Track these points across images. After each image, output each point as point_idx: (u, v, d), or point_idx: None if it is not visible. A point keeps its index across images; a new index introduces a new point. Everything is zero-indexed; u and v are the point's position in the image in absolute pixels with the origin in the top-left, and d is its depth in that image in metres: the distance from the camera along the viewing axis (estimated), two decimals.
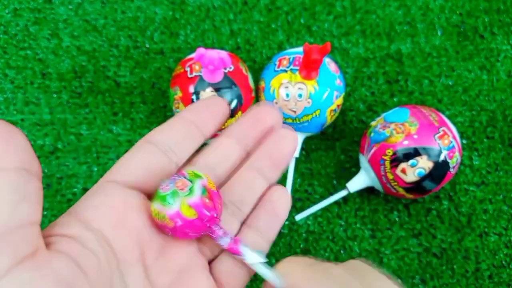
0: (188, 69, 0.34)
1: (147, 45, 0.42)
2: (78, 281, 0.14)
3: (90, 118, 0.39)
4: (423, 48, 0.42)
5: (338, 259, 0.36)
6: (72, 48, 0.41)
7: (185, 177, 0.18)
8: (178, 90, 0.34)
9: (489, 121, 0.40)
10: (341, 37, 0.42)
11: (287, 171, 0.37)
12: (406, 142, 0.31)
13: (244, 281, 0.19)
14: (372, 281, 0.17)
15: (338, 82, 0.34)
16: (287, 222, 0.37)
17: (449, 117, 0.40)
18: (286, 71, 0.34)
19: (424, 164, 0.31)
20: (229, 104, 0.33)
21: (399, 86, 0.41)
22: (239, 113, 0.34)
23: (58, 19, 0.42)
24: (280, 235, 0.36)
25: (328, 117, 0.35)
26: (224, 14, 0.43)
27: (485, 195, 0.38)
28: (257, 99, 0.36)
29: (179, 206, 0.17)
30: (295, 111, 0.34)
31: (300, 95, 0.33)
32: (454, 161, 0.32)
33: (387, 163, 0.32)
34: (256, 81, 0.37)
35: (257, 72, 0.40)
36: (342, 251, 0.36)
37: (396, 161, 0.32)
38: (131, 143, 0.39)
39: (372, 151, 0.33)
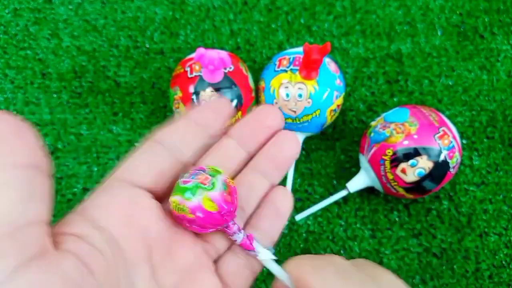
0: (188, 69, 0.34)
1: (147, 45, 0.42)
2: (86, 281, 0.14)
3: (90, 118, 0.39)
4: (423, 48, 0.42)
5: None
6: (72, 48, 0.41)
7: (205, 172, 0.18)
8: (178, 90, 0.34)
9: (489, 121, 0.40)
10: (341, 37, 0.42)
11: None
12: (406, 142, 0.31)
13: (249, 281, 0.20)
14: (375, 273, 0.17)
15: (338, 82, 0.34)
16: (287, 222, 0.37)
17: (449, 117, 0.40)
18: (286, 71, 0.34)
19: (424, 164, 0.31)
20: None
21: (399, 86, 0.41)
22: (239, 113, 0.34)
23: (58, 19, 0.42)
24: (280, 235, 0.36)
25: (328, 117, 0.35)
26: (224, 14, 0.43)
27: (485, 195, 0.38)
28: (257, 99, 0.36)
29: (201, 199, 0.17)
30: (295, 111, 0.34)
31: (300, 95, 0.33)
32: (454, 161, 0.32)
33: (387, 163, 0.32)
34: (256, 81, 0.37)
35: (257, 72, 0.40)
36: (342, 251, 0.36)
37: (396, 161, 0.32)
38: (131, 143, 0.39)
39: (372, 151, 0.33)
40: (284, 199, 0.21)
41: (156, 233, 0.18)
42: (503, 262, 0.36)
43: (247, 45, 0.42)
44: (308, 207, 0.36)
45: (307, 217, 0.37)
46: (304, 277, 0.17)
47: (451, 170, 0.32)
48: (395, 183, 0.33)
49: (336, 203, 0.37)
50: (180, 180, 0.18)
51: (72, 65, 0.41)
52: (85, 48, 0.41)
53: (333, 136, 0.40)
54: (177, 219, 0.18)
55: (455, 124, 0.39)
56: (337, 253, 0.36)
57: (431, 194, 0.37)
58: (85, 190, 0.37)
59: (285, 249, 0.36)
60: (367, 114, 0.40)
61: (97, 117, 0.39)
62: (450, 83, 0.41)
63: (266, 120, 0.21)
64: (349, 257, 0.36)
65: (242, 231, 0.19)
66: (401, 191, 0.33)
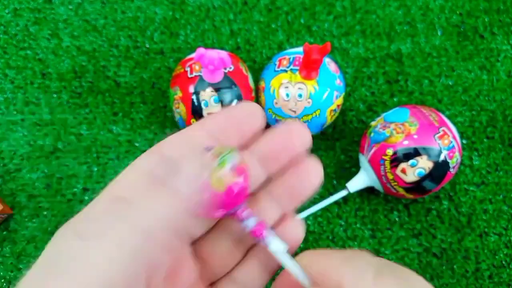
0: (188, 69, 0.34)
1: (147, 45, 0.42)
2: None
3: (90, 118, 0.39)
4: (423, 48, 0.42)
5: None
6: (72, 48, 0.41)
7: (214, 150, 0.17)
8: (178, 90, 0.34)
9: (489, 121, 0.40)
10: (341, 37, 0.42)
11: None
12: (406, 142, 0.31)
13: None
14: (408, 275, 0.16)
15: (338, 82, 0.34)
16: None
17: (449, 117, 0.40)
18: (286, 71, 0.34)
19: (424, 164, 0.31)
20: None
21: (399, 86, 0.41)
22: None
23: (58, 19, 0.42)
24: None
25: (328, 117, 0.35)
26: (224, 14, 0.43)
27: (485, 195, 0.38)
28: (257, 99, 0.36)
29: (209, 177, 0.16)
30: (295, 111, 0.34)
31: (300, 95, 0.33)
32: (454, 161, 0.32)
33: (387, 163, 0.32)
34: (256, 81, 0.37)
35: (257, 72, 0.40)
36: None
37: (396, 161, 0.32)
38: (131, 143, 0.39)
39: (372, 151, 0.33)
40: (295, 231, 0.19)
41: (155, 258, 0.16)
42: (503, 262, 0.36)
43: (247, 45, 0.42)
44: (308, 207, 0.36)
45: (307, 217, 0.37)
46: (332, 270, 0.15)
47: (451, 170, 0.32)
48: (395, 183, 0.33)
49: (336, 203, 0.37)
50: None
51: (72, 65, 0.41)
52: (85, 48, 0.41)
53: (333, 136, 0.40)
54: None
55: (455, 124, 0.39)
56: None
57: (431, 194, 0.37)
58: (85, 190, 0.37)
59: None
60: (367, 114, 0.40)
61: (97, 117, 0.39)
62: (450, 83, 0.41)
63: (293, 140, 0.19)
64: None
65: (254, 216, 0.17)
66: (401, 191, 0.33)
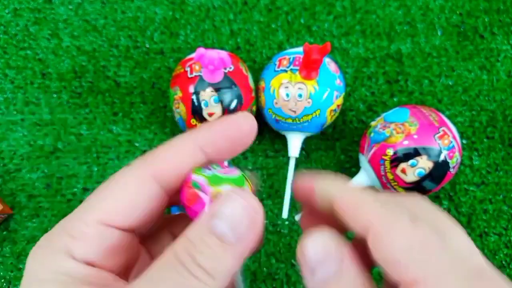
0: (188, 69, 0.34)
1: (147, 45, 0.42)
2: None
3: (90, 118, 0.39)
4: (423, 48, 0.42)
5: None
6: (72, 48, 0.41)
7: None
8: (178, 90, 0.34)
9: (489, 121, 0.40)
10: (341, 37, 0.42)
11: (287, 171, 0.37)
12: (406, 142, 0.31)
13: None
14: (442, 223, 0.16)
15: (338, 82, 0.34)
16: (287, 222, 0.37)
17: (449, 117, 0.40)
18: (286, 71, 0.34)
19: (424, 164, 0.31)
20: (230, 105, 0.33)
21: (399, 86, 0.41)
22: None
23: (58, 19, 0.42)
24: (280, 235, 0.36)
25: (328, 117, 0.35)
26: (224, 14, 0.43)
27: (485, 195, 0.38)
28: (257, 99, 0.36)
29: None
30: (295, 111, 0.34)
31: (300, 95, 0.33)
32: (454, 161, 0.32)
33: (387, 163, 0.32)
34: (256, 81, 0.37)
35: (257, 72, 0.40)
36: None
37: (396, 161, 0.32)
38: (131, 143, 0.39)
39: (372, 151, 0.33)
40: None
41: None
42: (503, 262, 0.36)
43: (247, 45, 0.42)
44: None
45: None
46: (362, 209, 0.15)
47: (451, 170, 0.32)
48: (395, 183, 0.33)
49: None
50: (216, 172, 0.17)
51: (72, 65, 0.41)
52: (85, 48, 0.41)
53: (333, 136, 0.40)
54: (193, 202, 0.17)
55: (455, 124, 0.39)
56: None
57: (431, 194, 0.37)
58: (85, 190, 0.37)
59: (285, 249, 0.36)
60: (367, 114, 0.40)
61: (97, 117, 0.39)
62: (450, 83, 0.41)
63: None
64: None
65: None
66: (401, 191, 0.33)
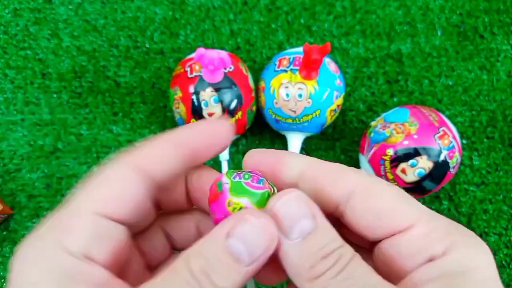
0: (188, 69, 0.34)
1: (147, 45, 0.42)
2: None
3: (90, 118, 0.39)
4: (423, 48, 0.42)
5: None
6: (72, 48, 0.41)
7: (266, 180, 0.17)
8: (178, 90, 0.34)
9: (489, 121, 0.40)
10: (341, 37, 0.42)
11: None
12: (406, 142, 0.31)
13: None
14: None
15: (338, 82, 0.34)
16: None
17: (449, 117, 0.40)
18: (286, 71, 0.34)
19: (424, 164, 0.31)
20: (229, 109, 0.33)
21: (399, 86, 0.41)
22: (239, 113, 0.34)
23: (58, 19, 0.42)
24: None
25: (328, 117, 0.35)
26: (224, 14, 0.43)
27: (485, 195, 0.38)
28: (257, 99, 0.36)
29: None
30: (295, 111, 0.34)
31: (300, 95, 0.33)
32: (454, 161, 0.32)
33: (387, 163, 0.32)
34: (256, 81, 0.37)
35: (257, 72, 0.40)
36: None
37: (396, 161, 0.32)
38: (131, 143, 0.39)
39: (372, 151, 0.33)
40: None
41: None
42: (503, 262, 0.36)
43: (247, 45, 0.42)
44: None
45: None
46: (339, 178, 0.16)
47: (451, 170, 0.32)
48: (395, 183, 0.33)
49: None
50: (242, 181, 0.17)
51: (72, 65, 0.41)
52: (85, 48, 0.41)
53: (333, 136, 0.40)
54: (217, 207, 0.17)
55: (455, 124, 0.39)
56: None
57: (431, 194, 0.37)
58: None
59: None
60: (367, 114, 0.40)
61: (97, 117, 0.39)
62: (450, 83, 0.41)
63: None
64: None
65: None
66: None
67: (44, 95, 0.40)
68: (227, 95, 0.33)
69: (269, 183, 0.17)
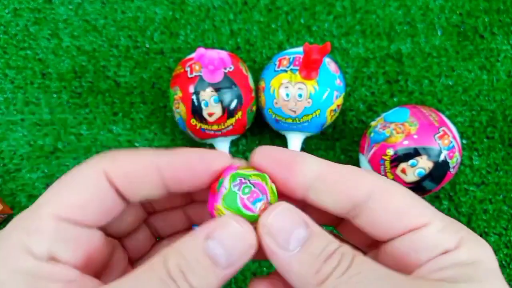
0: (188, 69, 0.34)
1: (147, 45, 0.42)
2: None
3: (90, 118, 0.39)
4: (423, 48, 0.42)
5: None
6: (72, 48, 0.41)
7: (267, 198, 0.17)
8: (178, 90, 0.34)
9: (489, 121, 0.40)
10: (341, 37, 0.42)
11: None
12: (406, 142, 0.31)
13: None
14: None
15: (338, 82, 0.34)
16: None
17: (449, 117, 0.40)
18: (286, 71, 0.34)
19: (424, 164, 0.31)
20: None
21: (399, 86, 0.41)
22: (239, 113, 0.34)
23: (58, 19, 0.42)
24: None
25: (328, 117, 0.35)
26: (224, 14, 0.43)
27: (485, 195, 0.38)
28: (257, 99, 0.36)
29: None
30: (295, 111, 0.34)
31: (300, 95, 0.33)
32: (454, 161, 0.32)
33: (387, 163, 0.32)
34: (256, 81, 0.37)
35: (257, 72, 0.40)
36: None
37: (396, 161, 0.32)
38: (131, 143, 0.39)
39: (372, 151, 0.33)
40: None
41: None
42: (503, 262, 0.36)
43: (247, 45, 0.42)
44: None
45: None
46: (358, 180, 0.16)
47: (451, 170, 0.32)
48: None
49: None
50: (238, 194, 0.16)
51: (72, 65, 0.41)
52: (85, 48, 0.41)
53: (333, 136, 0.40)
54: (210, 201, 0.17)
55: (455, 124, 0.39)
56: None
57: (431, 194, 0.37)
58: None
59: None
60: (367, 114, 0.40)
61: (97, 117, 0.39)
62: (450, 83, 0.41)
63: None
64: None
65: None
66: None
67: (44, 95, 0.40)
68: (227, 95, 0.33)
69: (271, 189, 0.17)
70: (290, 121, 0.34)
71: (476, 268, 0.15)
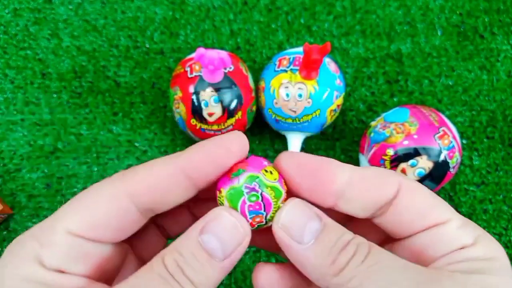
0: (188, 69, 0.34)
1: (147, 45, 0.42)
2: None
3: (90, 118, 0.39)
4: (423, 48, 0.42)
5: None
6: (72, 48, 0.41)
7: (270, 211, 0.17)
8: (178, 90, 0.34)
9: (489, 121, 0.40)
10: (341, 37, 0.42)
11: None
12: (406, 142, 0.31)
13: None
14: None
15: (338, 82, 0.34)
16: None
17: (449, 117, 0.40)
18: (286, 71, 0.34)
19: (424, 164, 0.31)
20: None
21: (399, 86, 0.41)
22: (239, 113, 0.34)
23: (58, 19, 0.42)
24: None
25: (328, 117, 0.35)
26: (224, 14, 0.43)
27: (485, 195, 0.38)
28: (257, 99, 0.36)
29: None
30: (295, 111, 0.34)
31: (300, 95, 0.33)
32: (454, 161, 0.32)
33: (387, 163, 0.32)
34: (256, 81, 0.37)
35: (257, 72, 0.40)
36: None
37: (396, 161, 0.32)
38: (131, 143, 0.39)
39: (372, 151, 0.33)
40: None
41: None
42: None
43: (247, 45, 0.42)
44: None
45: None
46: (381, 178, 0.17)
47: (451, 170, 0.32)
48: None
49: None
50: (242, 199, 0.16)
51: (72, 65, 0.41)
52: (85, 48, 0.41)
53: (333, 136, 0.40)
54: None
55: (455, 124, 0.39)
56: None
57: None
58: None
59: None
60: (367, 114, 0.40)
61: (97, 117, 0.39)
62: (450, 83, 0.41)
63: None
64: None
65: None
66: None
67: (44, 95, 0.40)
68: (227, 95, 0.33)
69: (276, 208, 0.16)
70: (290, 121, 0.34)
71: (491, 264, 0.15)
